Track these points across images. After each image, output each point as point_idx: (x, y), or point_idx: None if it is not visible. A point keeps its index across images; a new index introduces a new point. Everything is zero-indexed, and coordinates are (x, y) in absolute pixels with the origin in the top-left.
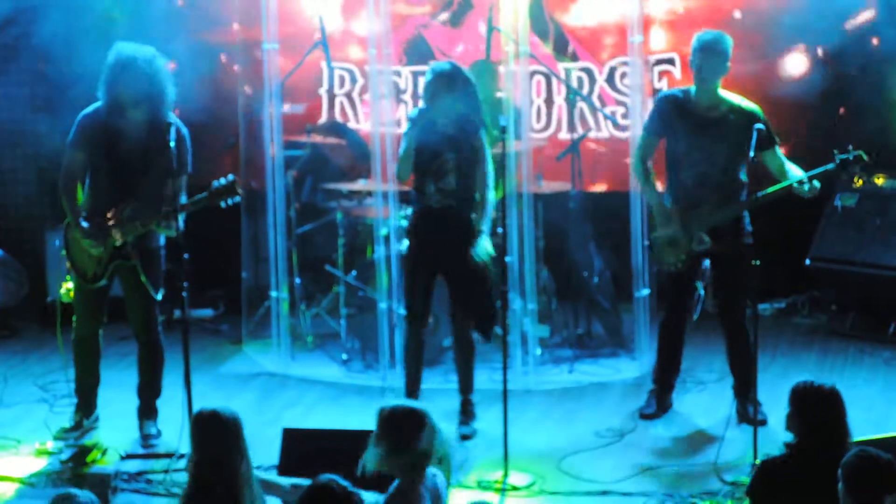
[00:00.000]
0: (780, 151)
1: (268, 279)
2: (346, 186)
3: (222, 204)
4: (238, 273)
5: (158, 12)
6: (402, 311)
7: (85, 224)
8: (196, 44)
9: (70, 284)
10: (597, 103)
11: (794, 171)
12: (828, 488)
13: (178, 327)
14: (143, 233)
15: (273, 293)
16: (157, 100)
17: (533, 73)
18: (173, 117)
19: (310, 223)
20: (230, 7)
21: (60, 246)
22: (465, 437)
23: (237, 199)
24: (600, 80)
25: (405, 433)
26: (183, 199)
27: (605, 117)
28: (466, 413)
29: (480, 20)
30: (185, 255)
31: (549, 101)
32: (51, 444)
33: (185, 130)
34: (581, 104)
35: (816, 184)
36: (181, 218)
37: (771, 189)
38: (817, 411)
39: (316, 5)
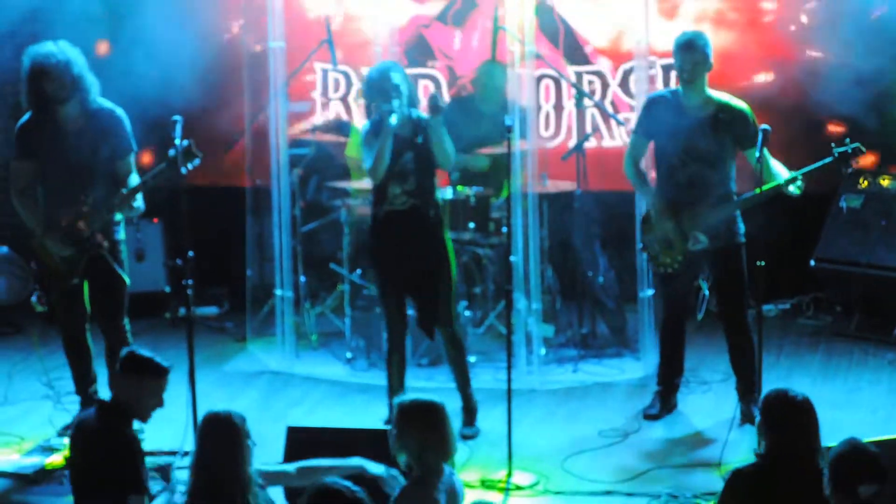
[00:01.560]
0: (767, 151)
1: (272, 277)
2: (351, 185)
3: (183, 169)
4: (243, 271)
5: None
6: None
7: (49, 231)
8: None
9: (38, 294)
10: (609, 109)
11: (780, 171)
12: (797, 499)
13: (182, 325)
14: (108, 220)
15: (278, 291)
16: (81, 89)
17: (541, 77)
18: (104, 101)
19: (315, 221)
20: (235, 5)
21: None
22: (467, 438)
23: (196, 161)
24: (613, 84)
25: (425, 426)
26: (135, 178)
27: (618, 122)
28: (469, 411)
29: (485, 19)
30: (190, 253)
31: (558, 107)
32: (55, 441)
33: (119, 111)
34: (592, 110)
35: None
36: (140, 197)
37: (766, 187)
38: (786, 422)
39: (321, 5)
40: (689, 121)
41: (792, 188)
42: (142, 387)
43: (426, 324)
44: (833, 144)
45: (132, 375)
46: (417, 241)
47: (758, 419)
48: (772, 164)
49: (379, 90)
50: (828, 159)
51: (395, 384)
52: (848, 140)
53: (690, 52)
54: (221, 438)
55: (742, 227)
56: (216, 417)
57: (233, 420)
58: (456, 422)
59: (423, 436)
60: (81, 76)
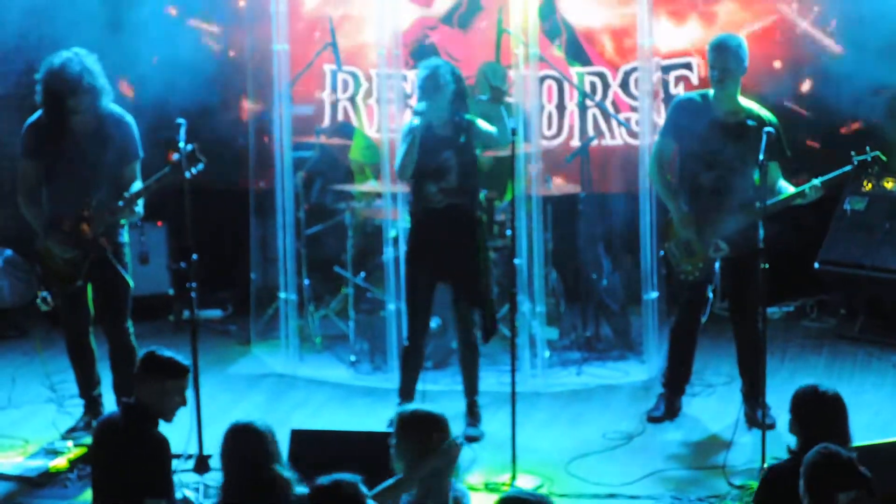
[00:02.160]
0: (779, 169)
1: (276, 280)
2: (355, 187)
3: (187, 174)
4: (247, 274)
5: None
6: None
7: (53, 233)
8: (204, 44)
9: (44, 294)
10: (610, 109)
11: (787, 188)
12: None
13: (186, 328)
14: (111, 223)
15: (282, 294)
16: (93, 94)
17: (544, 78)
18: (114, 107)
19: (319, 224)
20: (239, 7)
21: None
22: (472, 439)
23: (201, 166)
24: (614, 85)
25: (427, 438)
26: (139, 184)
27: (619, 123)
28: (473, 415)
29: (490, 22)
30: (194, 256)
31: (560, 108)
32: (59, 444)
33: (128, 118)
34: (594, 110)
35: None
36: (141, 202)
37: (787, 194)
38: (817, 417)
39: (325, 7)
40: (719, 125)
41: (811, 195)
42: (164, 388)
43: (487, 328)
44: (853, 153)
45: (155, 377)
46: (455, 238)
47: (789, 417)
48: (781, 181)
49: (423, 88)
50: (847, 168)
51: (408, 385)
52: (868, 148)
53: (722, 53)
54: (246, 443)
55: (762, 234)
56: (239, 427)
57: (256, 426)
58: (459, 424)
59: (422, 447)
60: (96, 84)
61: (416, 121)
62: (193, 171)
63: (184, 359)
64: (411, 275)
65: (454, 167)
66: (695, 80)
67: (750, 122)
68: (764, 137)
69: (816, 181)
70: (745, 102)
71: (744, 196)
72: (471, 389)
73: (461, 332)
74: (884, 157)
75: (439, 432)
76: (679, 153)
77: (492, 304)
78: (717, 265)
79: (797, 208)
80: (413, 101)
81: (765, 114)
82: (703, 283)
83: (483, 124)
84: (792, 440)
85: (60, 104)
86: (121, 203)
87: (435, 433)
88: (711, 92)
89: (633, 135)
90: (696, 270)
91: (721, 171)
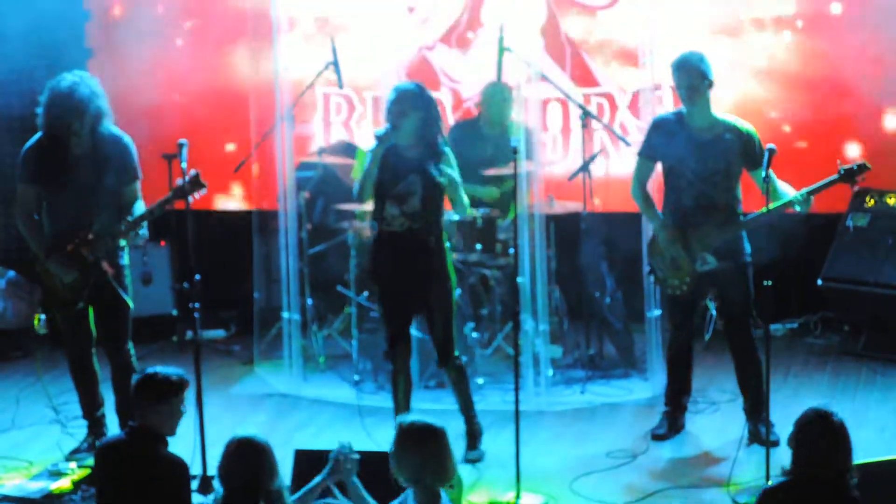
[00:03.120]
0: (772, 172)
1: (280, 300)
2: (357, 207)
3: (190, 199)
4: (250, 294)
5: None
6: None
7: (54, 256)
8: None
9: (43, 316)
10: (619, 130)
11: (786, 190)
12: None
13: (190, 348)
14: (112, 247)
15: (285, 314)
16: (93, 117)
17: (548, 100)
18: (113, 128)
19: (322, 244)
20: (241, 26)
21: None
22: (472, 461)
23: (203, 191)
24: (622, 106)
25: (425, 449)
26: (141, 203)
27: (625, 143)
28: (472, 434)
29: (490, 41)
30: (197, 276)
31: (565, 130)
32: (62, 465)
33: (126, 139)
34: (600, 132)
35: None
36: (145, 225)
37: (772, 206)
38: (819, 443)
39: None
40: (695, 142)
41: (798, 206)
42: (169, 407)
43: (442, 353)
44: (839, 162)
45: (157, 400)
46: (414, 264)
47: (789, 434)
48: (778, 184)
49: (388, 111)
50: (834, 177)
51: (402, 405)
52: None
53: (684, 71)
54: (245, 456)
55: (748, 247)
56: (241, 440)
57: (256, 441)
58: (460, 445)
59: (422, 458)
60: (98, 108)
61: (374, 146)
62: (196, 195)
63: (176, 371)
64: (380, 302)
65: (418, 191)
66: None
67: (727, 136)
68: (766, 154)
69: (803, 191)
70: (721, 115)
71: (726, 209)
72: (467, 410)
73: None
74: (868, 166)
75: (439, 443)
76: (663, 171)
77: (448, 330)
78: (711, 283)
79: (799, 224)
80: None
81: (742, 125)
82: (694, 298)
83: (452, 165)
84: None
85: (65, 127)
86: (122, 227)
87: (434, 444)
88: (684, 110)
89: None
90: (684, 285)
91: (702, 187)
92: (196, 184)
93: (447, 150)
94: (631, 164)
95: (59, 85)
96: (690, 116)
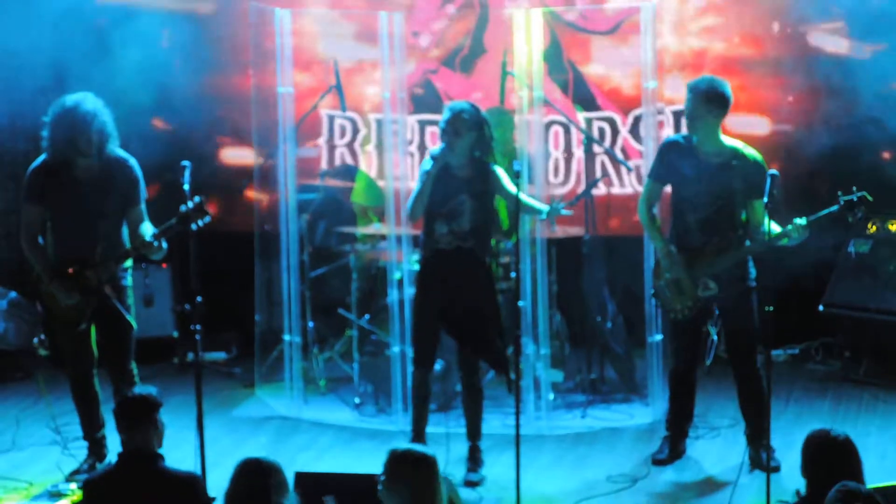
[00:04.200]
0: (764, 207)
1: (281, 322)
2: (359, 230)
3: (193, 226)
4: (251, 316)
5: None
6: (410, 354)
7: (57, 278)
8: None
9: (42, 337)
10: (619, 155)
11: (774, 228)
12: None
13: (191, 370)
14: (116, 271)
15: (286, 336)
16: (100, 139)
17: (550, 124)
18: (119, 151)
19: (323, 267)
20: (244, 51)
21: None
22: (472, 484)
23: (207, 219)
24: (624, 130)
25: (418, 477)
26: (147, 225)
27: (624, 166)
28: (475, 460)
29: (493, 65)
30: (199, 299)
31: (567, 154)
32: (63, 486)
33: (132, 161)
34: (602, 156)
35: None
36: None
37: (775, 233)
38: (829, 462)
39: (330, 50)
40: (703, 166)
41: (798, 235)
42: (156, 424)
43: (499, 367)
44: (840, 193)
45: (146, 420)
46: (461, 282)
47: (800, 461)
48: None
49: (443, 130)
50: (834, 207)
51: (419, 423)
52: (854, 188)
53: (691, 96)
54: (255, 478)
55: (753, 272)
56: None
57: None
58: (460, 468)
59: (413, 486)
60: (103, 126)
61: (429, 165)
62: (200, 223)
63: (144, 389)
64: (418, 312)
65: (468, 211)
66: None
67: (735, 163)
68: (768, 180)
69: (802, 220)
70: (730, 142)
71: (731, 234)
72: (474, 433)
73: (465, 376)
74: (870, 197)
75: (430, 473)
76: (671, 194)
77: (501, 348)
78: (713, 309)
79: (801, 250)
80: (434, 144)
81: (750, 152)
82: (696, 323)
83: (506, 180)
84: (801, 483)
85: (71, 147)
86: (127, 251)
87: (425, 474)
88: (694, 134)
89: (642, 181)
90: (686, 309)
91: (707, 212)
92: (200, 211)
93: (495, 169)
94: (632, 188)
95: (63, 104)
96: (699, 141)
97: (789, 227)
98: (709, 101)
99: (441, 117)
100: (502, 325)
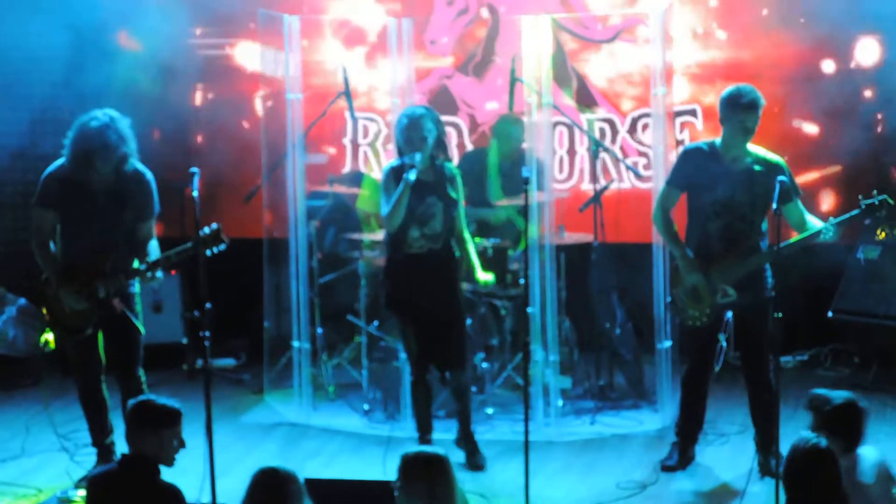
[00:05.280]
0: (801, 204)
1: (290, 329)
2: (367, 237)
3: (208, 252)
4: (260, 323)
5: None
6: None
7: (66, 284)
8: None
9: (50, 336)
10: (619, 154)
11: (815, 223)
12: None
13: (200, 377)
14: (124, 285)
15: (295, 343)
16: (119, 151)
17: (555, 124)
18: (137, 164)
19: (332, 273)
20: (253, 57)
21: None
22: (477, 468)
23: (222, 246)
24: (622, 130)
25: (434, 478)
26: (155, 243)
27: (628, 168)
28: (470, 441)
29: (503, 71)
30: (208, 305)
31: (571, 152)
32: (71, 493)
33: (149, 175)
34: (604, 154)
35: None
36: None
37: (794, 239)
38: (808, 470)
39: (339, 56)
40: (726, 173)
41: (832, 234)
42: (160, 437)
43: (438, 365)
44: (861, 197)
45: (150, 428)
46: (435, 283)
47: (782, 470)
48: (807, 217)
49: (407, 138)
50: (855, 211)
51: (423, 420)
52: (875, 192)
53: (755, 111)
54: (271, 487)
55: (771, 281)
56: (267, 471)
57: (282, 471)
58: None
59: (429, 487)
60: (127, 146)
61: (412, 176)
62: (215, 250)
63: (174, 403)
64: (399, 321)
65: (439, 213)
66: (700, 126)
67: (757, 168)
68: (777, 187)
69: (831, 221)
70: (752, 148)
71: (751, 242)
72: (466, 433)
73: (452, 380)
74: (891, 201)
75: (443, 470)
76: (688, 201)
77: (463, 336)
78: (728, 315)
79: (811, 257)
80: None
81: (772, 157)
82: (712, 330)
83: (460, 188)
84: None
85: (88, 164)
86: (138, 266)
87: (439, 471)
88: (718, 140)
89: (641, 179)
90: (704, 316)
91: (729, 219)
92: (216, 238)
93: (456, 171)
94: (633, 185)
95: (89, 125)
96: (724, 147)
97: (825, 225)
98: (731, 107)
99: (454, 118)
100: (463, 321)
